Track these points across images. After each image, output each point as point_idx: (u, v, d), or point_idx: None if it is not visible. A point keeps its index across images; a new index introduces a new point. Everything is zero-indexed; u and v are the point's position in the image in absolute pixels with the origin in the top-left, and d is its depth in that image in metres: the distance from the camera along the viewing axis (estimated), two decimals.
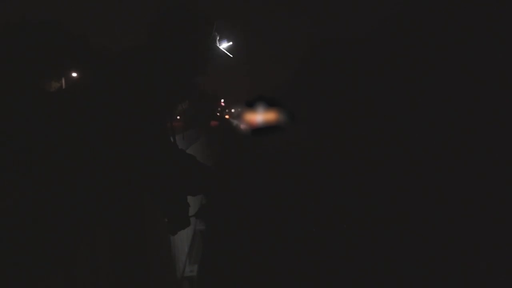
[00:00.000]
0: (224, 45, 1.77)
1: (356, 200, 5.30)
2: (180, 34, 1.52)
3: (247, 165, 9.06)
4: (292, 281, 3.09)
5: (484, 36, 10.35)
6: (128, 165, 1.38)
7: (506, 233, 3.61)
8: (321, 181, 6.84)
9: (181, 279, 2.92)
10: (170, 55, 1.51)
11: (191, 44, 1.55)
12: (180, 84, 1.62)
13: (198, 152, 6.24)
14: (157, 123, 1.47)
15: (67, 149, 1.24)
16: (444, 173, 6.35)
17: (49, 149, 1.20)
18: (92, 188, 1.26)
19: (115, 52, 1.51)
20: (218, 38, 1.68)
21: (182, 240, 3.24)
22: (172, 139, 1.60)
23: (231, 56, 1.81)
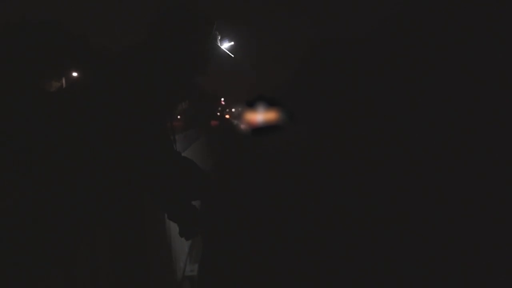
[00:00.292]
0: (225, 45, 1.76)
1: (356, 200, 5.30)
2: (180, 34, 1.52)
3: (247, 165, 9.06)
4: (292, 281, 3.09)
5: (484, 36, 10.35)
6: (128, 165, 1.38)
7: (506, 233, 3.61)
8: (321, 181, 6.83)
9: (181, 279, 2.92)
10: (170, 55, 1.51)
11: (191, 44, 1.55)
12: (180, 84, 1.62)
13: (198, 152, 6.24)
14: (157, 123, 1.47)
15: (67, 149, 1.24)
16: (444, 173, 6.35)
17: (49, 149, 1.20)
18: (92, 188, 1.26)
19: (115, 52, 1.51)
20: (219, 38, 1.68)
21: (183, 239, 3.23)
22: (172, 139, 1.60)
23: (232, 56, 1.81)
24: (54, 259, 1.03)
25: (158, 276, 2.17)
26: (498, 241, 3.45)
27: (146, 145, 1.39)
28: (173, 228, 2.86)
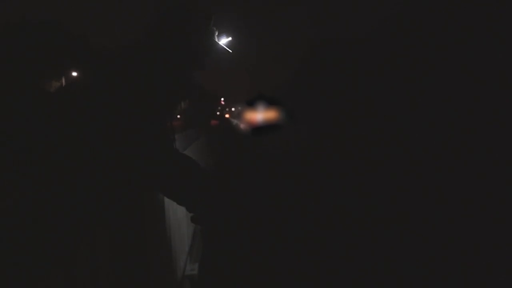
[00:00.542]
0: (223, 41, 1.76)
1: (356, 200, 5.30)
2: (178, 31, 1.52)
3: (247, 165, 9.04)
4: (292, 281, 3.08)
5: (484, 36, 10.34)
6: (128, 165, 1.38)
7: (506, 233, 3.61)
8: (321, 181, 6.83)
9: (181, 278, 2.92)
10: (168, 53, 1.50)
11: (189, 41, 1.54)
12: (180, 82, 1.62)
13: (198, 151, 6.24)
14: (157, 122, 1.47)
15: (67, 149, 1.24)
16: (444, 173, 6.35)
17: (49, 149, 1.20)
18: (92, 188, 1.26)
19: (115, 51, 1.51)
20: (216, 33, 1.67)
21: (183, 238, 3.24)
22: (172, 139, 1.60)
23: (230, 51, 1.81)
24: (54, 259, 1.03)
25: (158, 276, 2.17)
26: (498, 241, 3.45)
27: (146, 145, 1.39)
28: (173, 227, 2.86)
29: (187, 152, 4.44)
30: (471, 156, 7.19)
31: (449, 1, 11.76)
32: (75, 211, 1.16)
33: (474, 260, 3.11)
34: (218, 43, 1.71)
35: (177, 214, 3.12)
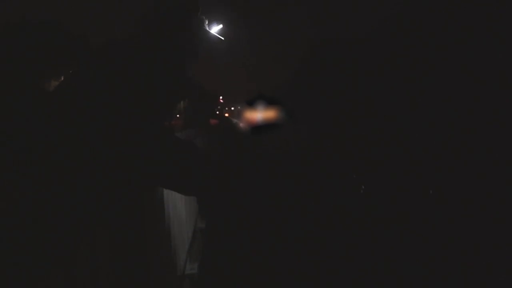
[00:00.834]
0: (214, 29, 1.75)
1: (356, 200, 5.30)
2: (167, 20, 1.51)
3: (247, 165, 9.05)
4: (292, 281, 3.08)
5: (484, 36, 10.34)
6: (128, 165, 1.38)
7: (506, 233, 3.61)
8: (321, 181, 6.82)
9: (182, 277, 2.93)
10: (159, 43, 1.50)
11: (180, 33, 1.53)
12: (176, 77, 1.61)
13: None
14: (157, 122, 1.47)
15: (67, 149, 1.24)
16: (444, 173, 6.35)
17: (49, 149, 1.20)
18: (92, 188, 1.26)
19: (108, 46, 1.50)
20: (206, 22, 1.66)
21: (183, 238, 3.24)
22: (171, 138, 1.60)
23: (222, 38, 1.81)
24: (54, 259, 1.03)
25: (158, 276, 2.17)
26: (498, 241, 3.45)
27: (146, 145, 1.39)
28: (173, 227, 2.85)
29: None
30: (471, 156, 7.18)
31: (449, 1, 11.75)
32: (75, 211, 1.16)
33: (474, 260, 3.11)
34: (209, 31, 1.70)
35: (177, 213, 3.12)
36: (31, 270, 0.93)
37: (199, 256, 3.64)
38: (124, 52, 1.50)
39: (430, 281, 2.92)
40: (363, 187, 4.04)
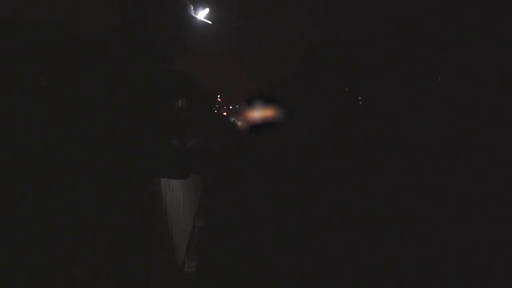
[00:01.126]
0: (201, 14, 1.74)
1: (356, 200, 5.30)
2: (151, 7, 1.50)
3: (247, 165, 9.06)
4: (292, 281, 3.08)
5: (484, 36, 10.34)
6: (128, 164, 1.38)
7: (506, 233, 3.61)
8: (321, 181, 6.83)
9: (181, 276, 2.93)
10: (146, 31, 1.48)
11: (163, 15, 1.52)
12: (162, 64, 1.60)
13: (197, 151, 6.23)
14: (157, 121, 1.47)
15: (67, 149, 1.24)
16: (444, 173, 6.35)
17: (49, 149, 1.20)
18: (92, 188, 1.26)
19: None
20: (191, 7, 1.65)
21: (181, 237, 3.24)
22: (171, 138, 1.60)
23: (210, 22, 1.79)
24: (54, 259, 1.03)
25: (158, 274, 2.17)
26: (498, 241, 3.45)
27: (146, 145, 1.39)
28: (172, 226, 2.85)
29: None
30: (471, 156, 7.18)
31: (449, 1, 11.76)
32: (75, 211, 1.16)
33: (474, 260, 3.11)
34: (195, 17, 1.69)
35: (176, 213, 3.12)
36: (31, 270, 0.93)
37: (199, 255, 3.65)
38: (114, 49, 1.50)
39: (430, 281, 2.92)
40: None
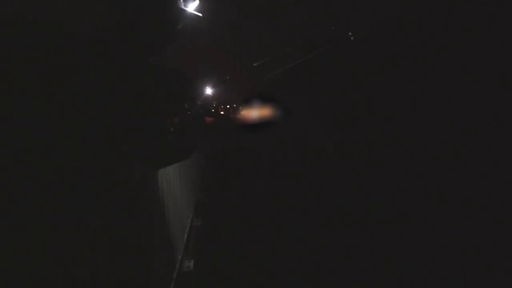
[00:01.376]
0: (191, 6, 1.72)
1: (356, 200, 5.30)
2: (140, 13, 1.49)
3: (247, 165, 9.06)
4: (292, 281, 3.09)
5: (484, 36, 10.34)
6: (127, 164, 1.38)
7: (506, 233, 3.61)
8: (321, 181, 6.83)
9: (179, 275, 2.93)
10: (136, 26, 1.47)
11: (152, 8, 1.50)
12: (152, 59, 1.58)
13: (196, 151, 6.24)
14: (157, 121, 1.47)
15: (67, 149, 1.24)
16: (444, 173, 6.35)
17: (49, 149, 1.20)
18: (92, 188, 1.26)
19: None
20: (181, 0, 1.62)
21: (179, 236, 3.24)
22: (171, 137, 1.60)
23: (201, 15, 1.78)
24: (54, 259, 1.03)
25: (157, 274, 2.17)
26: (498, 241, 3.45)
27: (146, 145, 1.39)
28: (172, 226, 2.86)
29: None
30: (471, 156, 7.19)
31: (449, 1, 11.75)
32: (75, 211, 1.16)
33: (474, 260, 3.11)
34: (185, 9, 1.66)
35: (175, 212, 3.13)
36: (31, 270, 0.93)
37: (196, 254, 3.65)
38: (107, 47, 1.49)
39: (430, 281, 2.93)
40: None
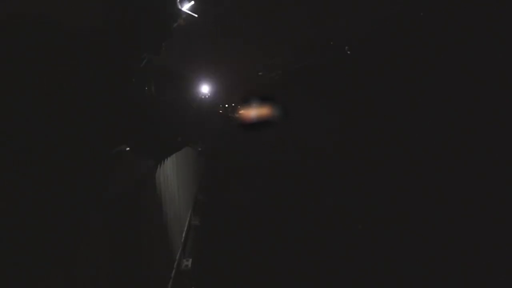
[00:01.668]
0: (186, 6, 1.73)
1: (356, 200, 5.30)
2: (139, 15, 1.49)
3: (246, 164, 9.06)
4: (292, 281, 3.08)
5: (484, 36, 10.34)
6: (127, 164, 1.38)
7: (506, 233, 3.61)
8: (321, 181, 6.83)
9: (178, 274, 2.93)
10: (136, 25, 1.47)
11: (150, 8, 1.51)
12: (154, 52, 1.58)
13: (196, 150, 6.25)
14: (157, 120, 1.47)
15: (67, 149, 1.24)
16: (444, 173, 6.35)
17: (49, 149, 1.20)
18: (91, 188, 1.26)
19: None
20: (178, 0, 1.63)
21: (178, 235, 3.24)
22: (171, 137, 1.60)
23: (196, 15, 1.79)
24: (54, 259, 1.03)
25: (157, 273, 2.18)
26: (498, 241, 3.45)
27: (146, 145, 1.39)
28: (171, 225, 2.86)
29: (185, 150, 4.45)
30: (471, 156, 7.18)
31: (449, 1, 11.74)
32: (75, 211, 1.16)
33: (474, 260, 3.11)
34: (181, 9, 1.67)
35: (173, 211, 3.13)
36: (31, 270, 0.93)
37: (194, 253, 3.65)
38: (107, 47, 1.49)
39: (430, 281, 2.93)
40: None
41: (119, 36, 1.46)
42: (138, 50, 1.46)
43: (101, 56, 1.35)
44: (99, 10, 1.50)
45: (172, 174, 3.05)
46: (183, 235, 3.63)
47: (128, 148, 1.37)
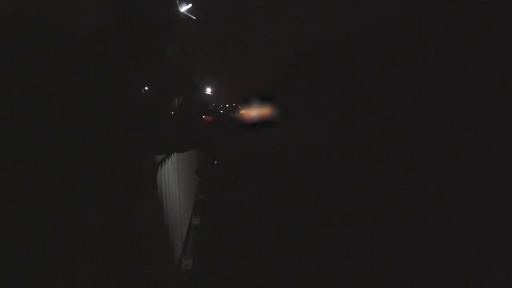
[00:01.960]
0: (184, 8, 1.73)
1: (356, 199, 5.30)
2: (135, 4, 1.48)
3: (247, 164, 9.06)
4: (292, 281, 3.08)
5: (484, 36, 10.33)
6: (128, 164, 1.38)
7: (506, 233, 3.61)
8: (321, 181, 6.83)
9: (178, 274, 2.93)
10: (131, 28, 1.47)
11: (148, 10, 1.50)
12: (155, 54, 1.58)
13: (195, 150, 6.24)
14: (156, 120, 1.47)
15: (67, 149, 1.24)
16: (444, 173, 6.35)
17: (49, 149, 1.20)
18: (92, 188, 1.26)
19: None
20: (177, 1, 1.62)
21: (178, 235, 3.24)
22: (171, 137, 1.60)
23: (194, 17, 1.78)
24: (54, 259, 1.03)
25: (157, 274, 2.18)
26: (498, 241, 3.46)
27: (145, 145, 1.39)
28: (171, 225, 2.86)
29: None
30: (471, 156, 7.19)
31: (449, 1, 11.75)
32: (75, 211, 1.16)
33: (474, 260, 3.11)
34: (179, 11, 1.67)
35: (174, 211, 3.13)
36: (31, 270, 0.93)
37: (194, 253, 3.65)
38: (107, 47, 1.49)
39: (430, 281, 2.93)
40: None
41: (119, 36, 1.46)
42: (138, 50, 1.47)
43: (101, 56, 1.35)
44: (99, 10, 1.50)
45: (173, 174, 3.05)
46: (184, 234, 3.63)
47: (129, 149, 1.37)
